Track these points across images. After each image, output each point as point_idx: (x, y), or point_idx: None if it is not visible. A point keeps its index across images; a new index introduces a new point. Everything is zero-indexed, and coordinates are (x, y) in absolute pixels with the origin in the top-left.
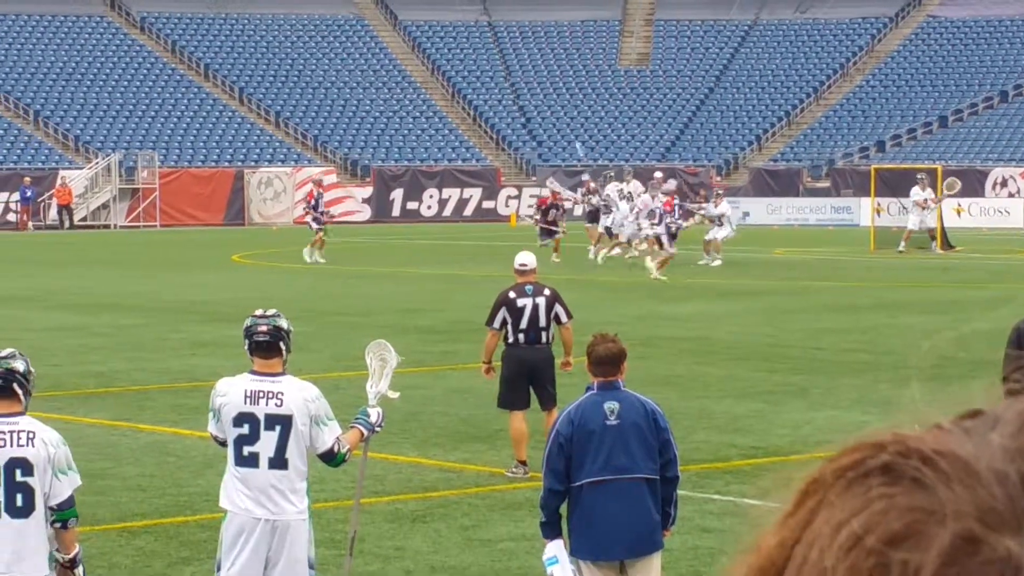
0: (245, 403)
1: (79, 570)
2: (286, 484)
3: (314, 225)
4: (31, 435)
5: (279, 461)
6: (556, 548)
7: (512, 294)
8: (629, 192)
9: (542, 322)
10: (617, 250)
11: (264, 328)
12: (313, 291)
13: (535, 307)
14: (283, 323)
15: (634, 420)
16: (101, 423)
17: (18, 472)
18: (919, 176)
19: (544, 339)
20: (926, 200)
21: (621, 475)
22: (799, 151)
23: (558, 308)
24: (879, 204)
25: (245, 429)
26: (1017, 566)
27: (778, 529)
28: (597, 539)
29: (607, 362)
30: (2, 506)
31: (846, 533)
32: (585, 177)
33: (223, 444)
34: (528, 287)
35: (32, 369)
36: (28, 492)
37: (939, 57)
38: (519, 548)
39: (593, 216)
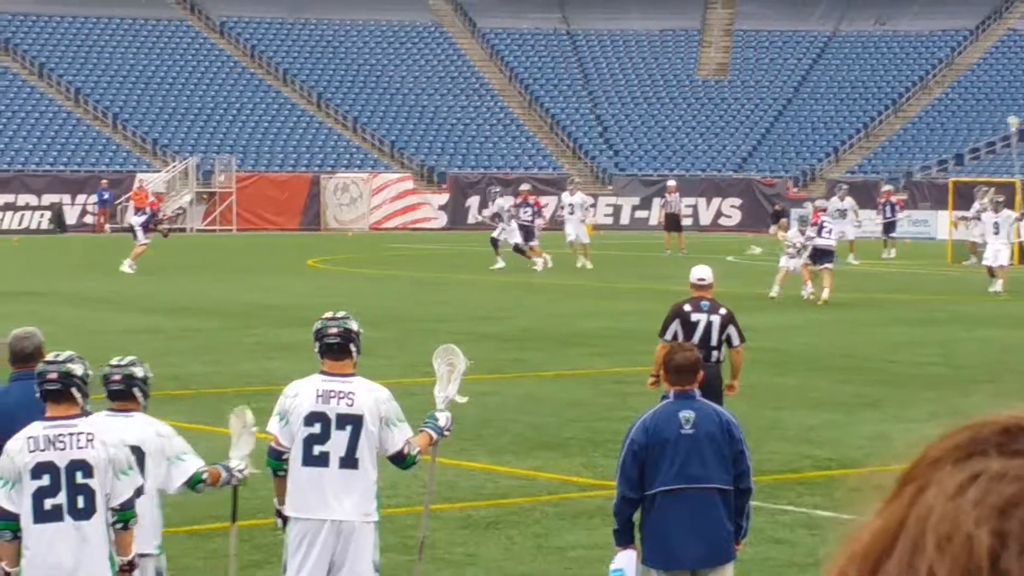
0: (317, 402)
1: (137, 574)
2: (355, 485)
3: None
4: (90, 437)
5: (350, 461)
6: (626, 559)
7: (687, 307)
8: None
9: (713, 340)
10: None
11: (334, 330)
12: (387, 297)
13: (708, 324)
14: (353, 325)
15: (709, 430)
16: (179, 425)
17: (79, 474)
18: (979, 189)
19: (714, 358)
20: (977, 213)
21: (694, 484)
22: (877, 163)
23: (731, 329)
24: (956, 217)
25: (316, 428)
26: None
27: (881, 513)
28: (669, 548)
29: (685, 371)
30: (64, 508)
31: (963, 500)
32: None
33: (275, 455)
34: (704, 303)
35: (90, 372)
36: (89, 494)
37: (1019, 70)
38: (591, 556)
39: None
